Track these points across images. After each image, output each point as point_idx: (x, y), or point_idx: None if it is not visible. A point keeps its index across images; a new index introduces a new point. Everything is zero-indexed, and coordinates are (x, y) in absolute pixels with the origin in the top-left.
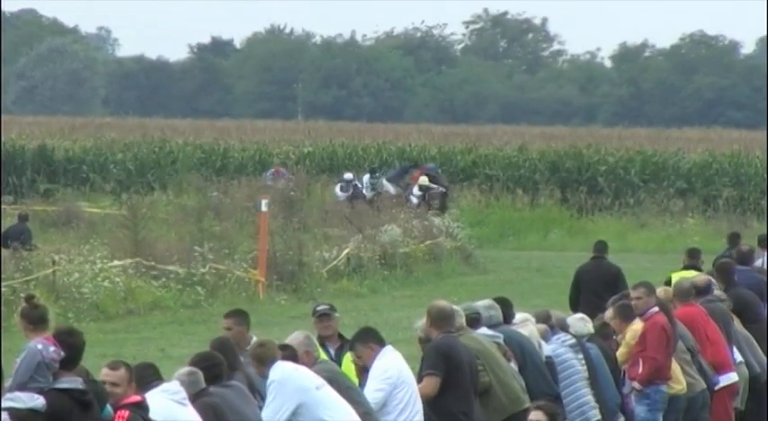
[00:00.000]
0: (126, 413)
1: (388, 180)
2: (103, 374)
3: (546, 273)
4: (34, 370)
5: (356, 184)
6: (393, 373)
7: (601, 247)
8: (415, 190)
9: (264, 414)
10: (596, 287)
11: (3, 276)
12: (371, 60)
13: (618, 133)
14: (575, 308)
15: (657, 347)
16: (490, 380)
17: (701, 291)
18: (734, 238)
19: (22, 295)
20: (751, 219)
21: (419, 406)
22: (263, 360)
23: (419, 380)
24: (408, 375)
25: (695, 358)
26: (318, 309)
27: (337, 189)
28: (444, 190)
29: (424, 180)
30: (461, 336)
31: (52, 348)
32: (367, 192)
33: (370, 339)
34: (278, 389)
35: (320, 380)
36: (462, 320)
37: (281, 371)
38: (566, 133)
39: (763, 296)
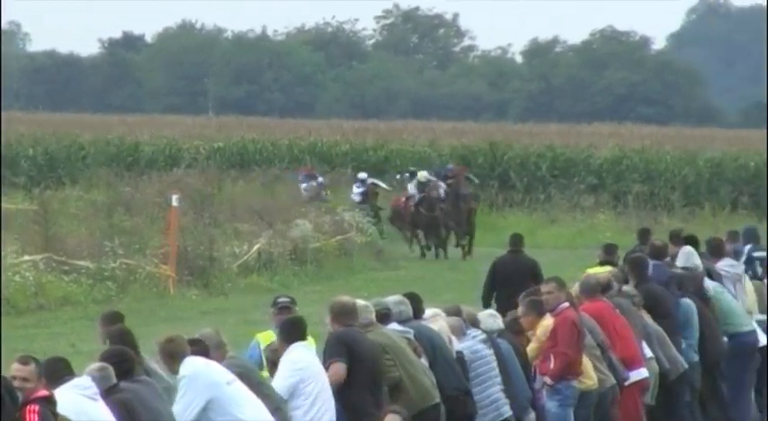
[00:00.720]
0: (36, 407)
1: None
2: (14, 370)
3: (457, 269)
4: None
5: (374, 183)
6: (302, 365)
7: (517, 240)
8: (411, 186)
9: (175, 409)
10: (513, 280)
11: None
12: (282, 55)
13: (529, 129)
14: (488, 300)
15: (569, 343)
16: (400, 376)
17: (604, 287)
18: (644, 234)
19: None
20: (661, 214)
21: (330, 401)
22: (173, 355)
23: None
24: (319, 370)
25: (605, 353)
26: (279, 300)
27: (354, 189)
28: (445, 188)
29: (423, 175)
30: (371, 332)
31: None
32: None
33: (284, 333)
34: (189, 385)
35: (231, 376)
36: (372, 316)
37: (193, 366)
38: (476, 129)
39: (674, 290)
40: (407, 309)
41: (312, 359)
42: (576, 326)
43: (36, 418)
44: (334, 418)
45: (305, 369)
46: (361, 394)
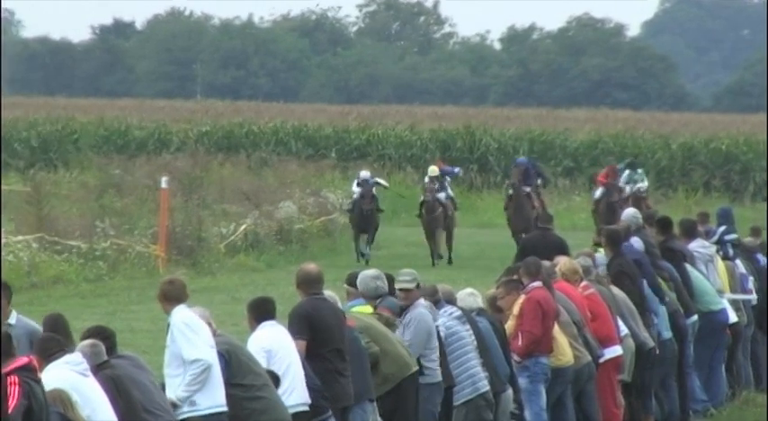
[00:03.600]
0: (16, 378)
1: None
2: None
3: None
4: None
5: (377, 181)
6: (269, 343)
7: (547, 219)
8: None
9: (190, 352)
10: (542, 258)
11: None
12: (268, 42)
13: (507, 113)
14: None
15: (533, 321)
16: (378, 351)
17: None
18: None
19: None
20: None
21: (299, 375)
22: (169, 297)
23: None
24: (287, 345)
25: (581, 331)
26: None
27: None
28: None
29: (433, 170)
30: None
31: None
32: (628, 189)
33: (252, 312)
34: (194, 329)
35: (212, 342)
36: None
37: (191, 315)
38: (457, 113)
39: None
40: (384, 284)
41: (280, 335)
42: (540, 305)
43: (17, 390)
44: (304, 389)
45: (273, 347)
46: (327, 362)
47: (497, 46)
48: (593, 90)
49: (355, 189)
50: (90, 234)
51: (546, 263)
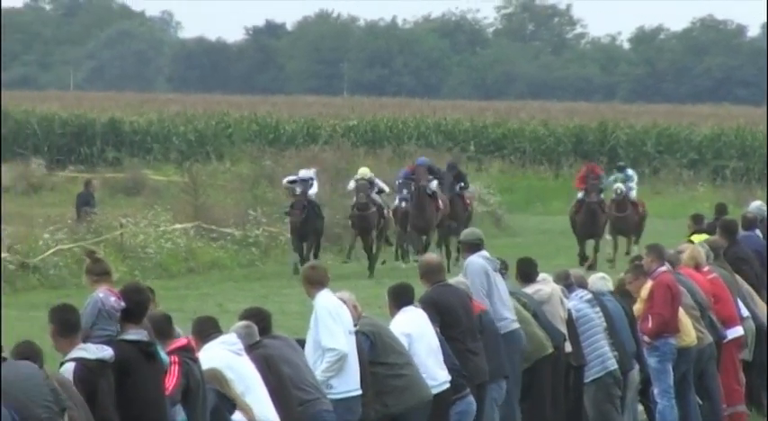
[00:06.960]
0: (176, 358)
1: None
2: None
3: (568, 236)
4: (96, 317)
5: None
6: (407, 328)
7: (723, 209)
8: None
9: (327, 340)
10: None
11: (74, 237)
12: (411, 42)
13: (635, 109)
14: None
15: (663, 304)
16: None
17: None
18: (721, 209)
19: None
20: (756, 188)
21: (438, 357)
22: (312, 281)
23: None
24: (426, 329)
25: (706, 313)
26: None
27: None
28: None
29: (363, 172)
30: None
31: (113, 298)
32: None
33: (393, 298)
34: (335, 317)
35: (352, 328)
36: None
37: (334, 301)
38: (588, 109)
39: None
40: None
41: (420, 320)
42: (669, 289)
43: (177, 369)
44: (444, 369)
45: (413, 330)
46: (459, 343)
47: (626, 46)
48: (716, 87)
49: (287, 184)
50: (243, 222)
51: (671, 250)
